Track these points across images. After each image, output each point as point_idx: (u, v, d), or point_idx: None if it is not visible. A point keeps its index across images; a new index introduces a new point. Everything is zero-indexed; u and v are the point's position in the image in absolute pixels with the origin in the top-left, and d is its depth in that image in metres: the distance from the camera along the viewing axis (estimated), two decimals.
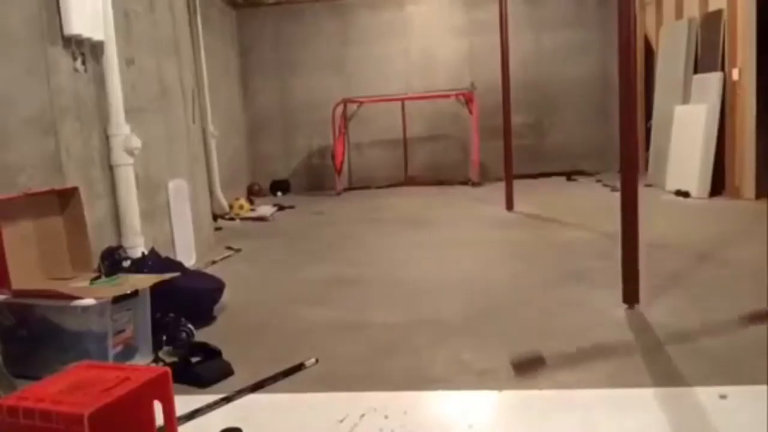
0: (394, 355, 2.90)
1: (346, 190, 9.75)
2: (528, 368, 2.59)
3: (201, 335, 3.18)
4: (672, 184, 7.33)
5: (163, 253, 4.02)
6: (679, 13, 7.83)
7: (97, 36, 3.74)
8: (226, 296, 3.71)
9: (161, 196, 4.58)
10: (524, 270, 4.34)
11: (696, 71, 7.33)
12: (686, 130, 7.19)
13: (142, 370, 2.10)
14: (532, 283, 3.99)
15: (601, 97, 9.54)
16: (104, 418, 1.57)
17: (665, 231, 5.17)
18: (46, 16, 3.41)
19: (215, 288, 3.67)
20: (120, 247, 3.73)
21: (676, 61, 7.60)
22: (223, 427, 2.21)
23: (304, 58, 10.04)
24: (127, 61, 4.18)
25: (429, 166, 10.01)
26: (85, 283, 3.01)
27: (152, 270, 3.31)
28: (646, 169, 8.23)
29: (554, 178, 9.39)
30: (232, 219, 7.50)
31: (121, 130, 3.92)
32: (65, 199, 3.18)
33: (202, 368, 2.73)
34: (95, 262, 3.34)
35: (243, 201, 8.12)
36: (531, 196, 7.43)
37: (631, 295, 3.29)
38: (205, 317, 3.50)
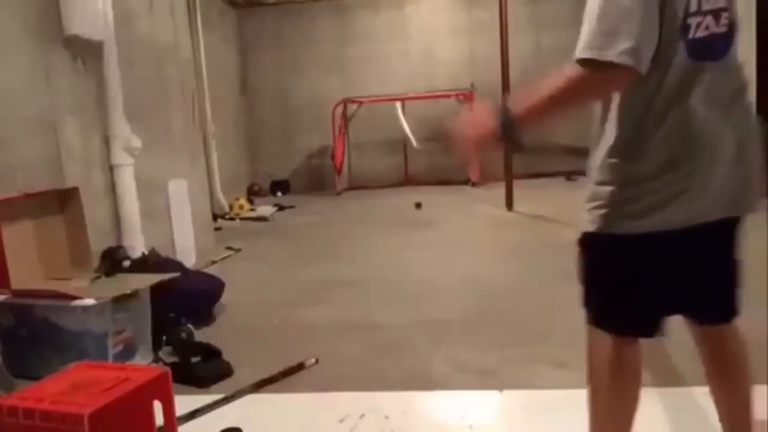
0: (394, 355, 2.90)
1: (346, 190, 9.75)
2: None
3: (201, 335, 3.18)
4: None
5: (163, 253, 4.03)
6: None
7: (97, 36, 3.74)
8: (226, 296, 3.70)
9: (161, 196, 4.58)
10: (524, 270, 4.34)
11: None
12: None
13: (142, 370, 2.09)
14: (532, 282, 3.99)
15: None
16: (104, 418, 1.57)
17: None
18: (46, 16, 3.41)
19: (215, 288, 3.67)
20: (120, 247, 3.73)
21: None
22: (223, 427, 2.21)
23: (304, 58, 10.04)
24: (127, 62, 4.18)
25: (429, 166, 10.01)
26: (85, 283, 3.01)
27: (152, 270, 3.31)
28: None
29: (554, 178, 9.38)
30: (232, 219, 7.50)
31: (121, 130, 3.92)
32: (65, 199, 3.18)
33: (202, 368, 2.73)
34: (95, 262, 3.34)
35: (243, 201, 8.12)
36: (531, 196, 7.43)
37: None
38: (205, 317, 3.50)
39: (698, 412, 2.18)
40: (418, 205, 7.48)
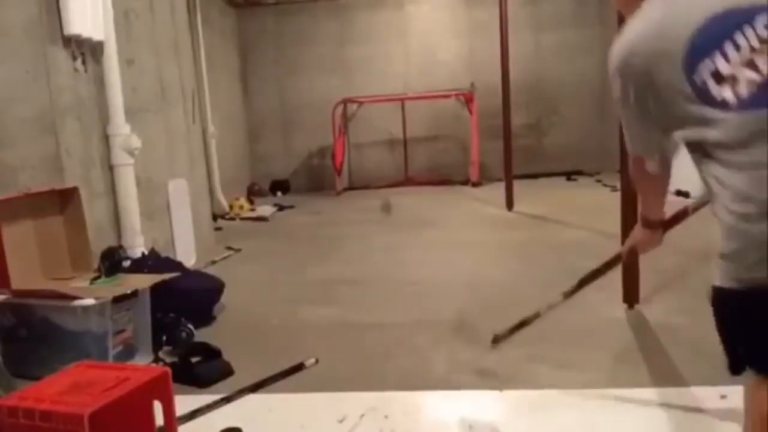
0: (394, 355, 2.90)
1: (345, 190, 9.74)
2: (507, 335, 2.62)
3: (201, 335, 3.18)
4: (672, 184, 7.32)
5: (163, 253, 4.03)
6: None
7: (97, 36, 3.74)
8: (225, 296, 3.70)
9: (161, 196, 4.58)
10: (524, 270, 4.34)
11: None
12: None
13: (142, 370, 2.10)
14: (532, 283, 3.99)
15: (601, 97, 9.53)
16: (104, 418, 1.57)
17: None
18: (46, 16, 3.40)
19: (215, 288, 3.67)
20: (120, 247, 3.73)
21: None
22: (223, 427, 2.21)
23: (304, 58, 10.03)
24: (127, 61, 4.18)
25: (429, 167, 10.02)
26: (85, 283, 3.01)
27: (152, 270, 3.31)
28: None
29: (554, 178, 9.38)
30: (232, 219, 7.50)
31: (121, 130, 3.92)
32: (65, 199, 3.18)
33: (202, 368, 2.73)
34: (95, 262, 3.34)
35: (243, 201, 8.13)
36: (531, 196, 7.42)
37: (631, 295, 3.29)
38: (205, 317, 3.50)
39: (698, 412, 2.19)
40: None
